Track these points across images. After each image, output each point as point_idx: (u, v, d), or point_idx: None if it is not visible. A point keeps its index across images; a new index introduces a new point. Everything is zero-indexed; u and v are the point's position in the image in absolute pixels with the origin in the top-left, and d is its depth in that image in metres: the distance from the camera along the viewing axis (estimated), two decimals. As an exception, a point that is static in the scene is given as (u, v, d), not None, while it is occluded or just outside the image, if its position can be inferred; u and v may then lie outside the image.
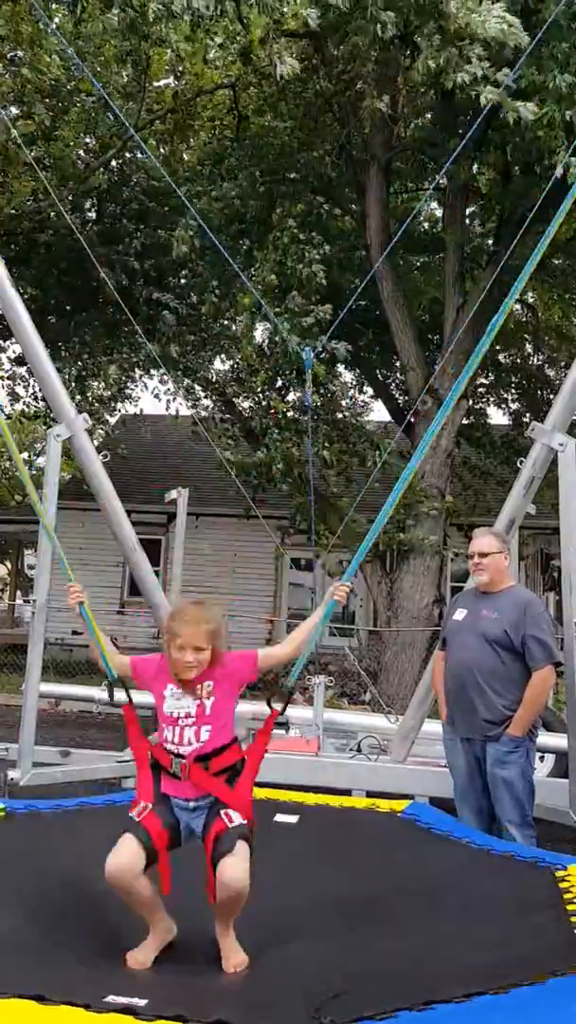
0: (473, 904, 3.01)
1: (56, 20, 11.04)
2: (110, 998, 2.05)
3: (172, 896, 2.72)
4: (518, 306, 16.56)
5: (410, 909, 2.96)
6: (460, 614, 4.46)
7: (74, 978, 2.18)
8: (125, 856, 2.66)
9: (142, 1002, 2.04)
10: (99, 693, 6.95)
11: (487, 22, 6.76)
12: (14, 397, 16.60)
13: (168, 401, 13.81)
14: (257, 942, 2.64)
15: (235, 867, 2.62)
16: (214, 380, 13.94)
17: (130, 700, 3.15)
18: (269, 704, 3.16)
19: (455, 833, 3.84)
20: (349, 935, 2.67)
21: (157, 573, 5.26)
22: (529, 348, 17.29)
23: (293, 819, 3.95)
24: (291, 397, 11.56)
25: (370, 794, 4.88)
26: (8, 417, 17.76)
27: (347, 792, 4.91)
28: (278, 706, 3.15)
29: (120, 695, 3.23)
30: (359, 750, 5.73)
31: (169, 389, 13.40)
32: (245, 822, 2.77)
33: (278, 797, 4.27)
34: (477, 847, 3.64)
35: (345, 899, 3.06)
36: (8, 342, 15.28)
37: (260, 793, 4.25)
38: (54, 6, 10.32)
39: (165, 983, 2.24)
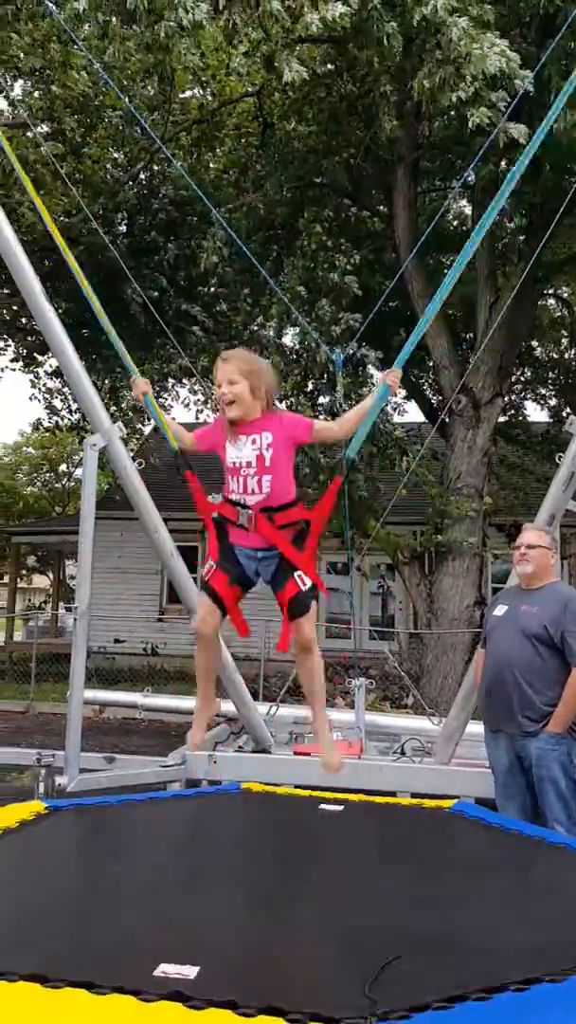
0: (528, 888, 2.98)
1: (83, 35, 11.19)
2: (161, 968, 2.06)
3: (221, 888, 2.72)
4: (552, 301, 16.42)
5: (462, 891, 2.93)
6: (500, 610, 4.43)
7: (122, 960, 2.19)
8: (206, 613, 3.13)
9: (192, 972, 2.04)
10: (142, 699, 6.99)
11: (487, 58, 6.75)
12: (51, 410, 16.83)
13: (197, 411, 13.92)
14: (307, 920, 2.64)
15: (309, 626, 3.06)
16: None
17: (190, 467, 3.41)
18: (331, 472, 3.39)
19: (505, 825, 3.80)
20: (400, 916, 2.65)
21: (195, 579, 5.29)
22: (566, 343, 17.10)
23: (338, 807, 3.95)
24: (322, 401, 11.56)
25: (415, 796, 4.84)
26: (47, 431, 18.03)
27: (391, 795, 4.88)
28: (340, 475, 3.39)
29: (184, 437, 3.42)
30: (403, 752, 5.69)
31: (199, 399, 13.49)
32: (312, 583, 3.07)
33: (322, 797, 4.26)
34: (528, 837, 3.59)
35: (395, 880, 3.04)
36: (45, 356, 15.50)
37: (303, 794, 4.26)
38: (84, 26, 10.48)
39: (213, 956, 2.24)
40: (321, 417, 11.07)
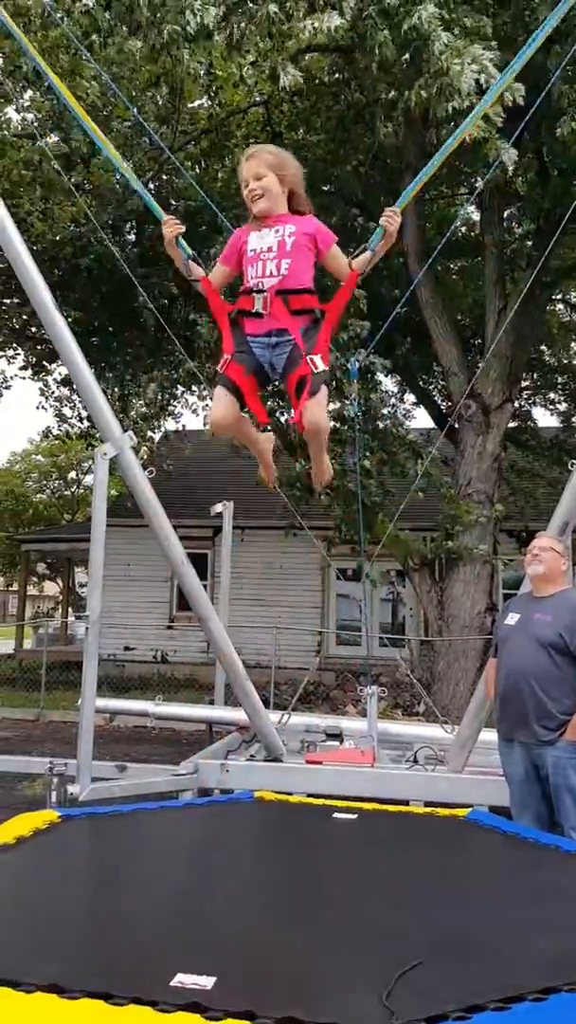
0: (544, 895, 2.96)
1: (92, 46, 11.26)
2: (178, 978, 2.05)
3: (238, 891, 2.72)
4: (561, 306, 16.40)
5: (478, 900, 2.91)
6: (512, 618, 4.41)
7: (139, 971, 2.19)
8: (220, 407, 3.13)
9: (209, 982, 2.04)
10: (154, 707, 6.99)
11: (464, 74, 6.74)
12: (61, 418, 16.89)
13: (205, 417, 13.94)
14: (323, 929, 2.63)
15: (319, 409, 3.04)
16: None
17: (206, 274, 3.38)
18: (351, 265, 3.26)
19: (521, 833, 3.78)
20: (416, 925, 2.63)
21: (205, 587, 5.28)
22: (575, 348, 17.07)
23: (352, 816, 3.93)
24: (331, 407, 11.56)
25: (428, 805, 4.82)
26: (56, 439, 18.10)
27: (404, 803, 4.86)
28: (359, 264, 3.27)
29: (196, 268, 3.40)
30: (415, 761, 5.67)
31: (208, 405, 13.51)
32: (326, 368, 3.04)
33: (335, 806, 4.24)
34: (544, 845, 3.57)
35: (410, 889, 3.02)
36: (54, 364, 15.57)
37: (317, 803, 4.25)
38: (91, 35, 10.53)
39: (230, 966, 2.23)
40: (334, 425, 11.07)
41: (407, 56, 7.34)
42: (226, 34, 7.69)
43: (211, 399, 13.85)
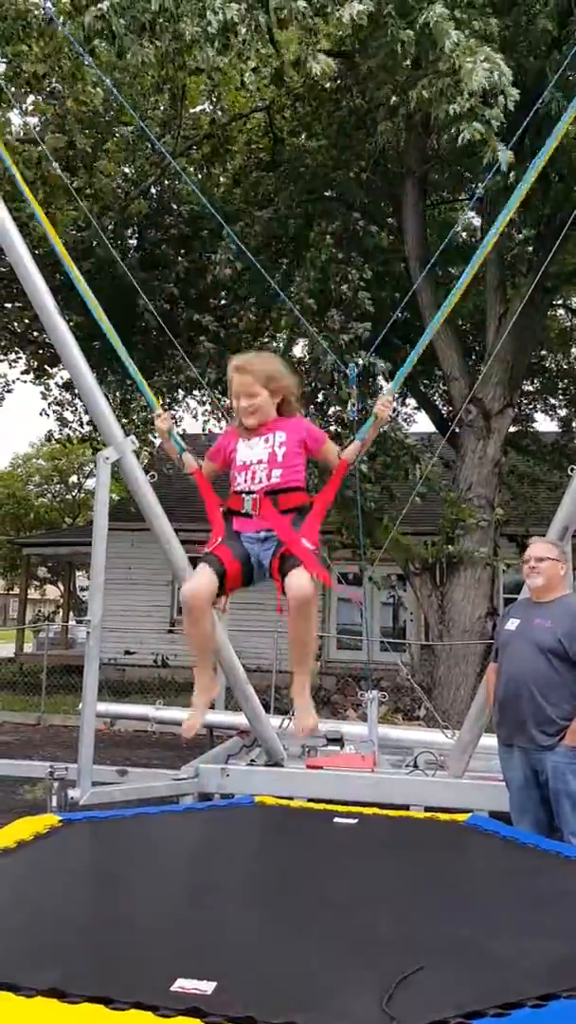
0: (543, 901, 2.96)
1: (94, 50, 11.28)
2: (178, 983, 2.06)
3: (235, 902, 2.72)
4: (562, 311, 16.42)
5: (478, 905, 2.92)
6: (513, 624, 4.41)
7: (139, 975, 2.19)
8: (201, 579, 2.95)
9: (209, 987, 2.04)
10: (154, 712, 6.99)
11: (476, 71, 6.73)
12: (63, 422, 16.91)
13: (204, 421, 13.98)
14: (323, 935, 2.63)
15: (302, 576, 2.86)
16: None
17: (199, 466, 3.39)
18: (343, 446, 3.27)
19: (520, 839, 3.78)
20: (416, 931, 2.64)
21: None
22: (575, 353, 17.10)
23: (353, 820, 3.93)
24: (330, 411, 11.56)
25: (428, 810, 4.82)
26: (58, 442, 18.11)
27: (405, 808, 4.86)
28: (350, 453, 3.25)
29: (190, 460, 3.42)
30: (416, 765, 5.67)
31: (207, 409, 13.54)
32: (313, 547, 2.97)
33: (336, 811, 4.25)
34: (544, 850, 3.57)
35: (410, 894, 3.03)
36: (56, 368, 15.59)
37: (317, 807, 4.25)
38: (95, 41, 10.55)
39: (230, 971, 2.24)
40: (332, 429, 11.07)
41: (413, 53, 7.26)
42: (241, 32, 7.64)
43: (211, 403, 13.82)
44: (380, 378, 12.23)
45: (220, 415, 14.11)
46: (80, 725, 4.93)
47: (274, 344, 10.86)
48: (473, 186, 13.00)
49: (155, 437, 17.01)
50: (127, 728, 11.14)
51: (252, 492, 3.03)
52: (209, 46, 6.99)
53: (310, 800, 4.61)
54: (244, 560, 3.04)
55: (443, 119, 7.29)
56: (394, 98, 9.11)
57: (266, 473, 3.03)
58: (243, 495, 3.06)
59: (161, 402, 14.78)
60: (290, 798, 4.53)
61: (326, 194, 12.67)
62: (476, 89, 6.72)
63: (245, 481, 3.07)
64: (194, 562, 3.29)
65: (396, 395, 3.41)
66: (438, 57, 7.00)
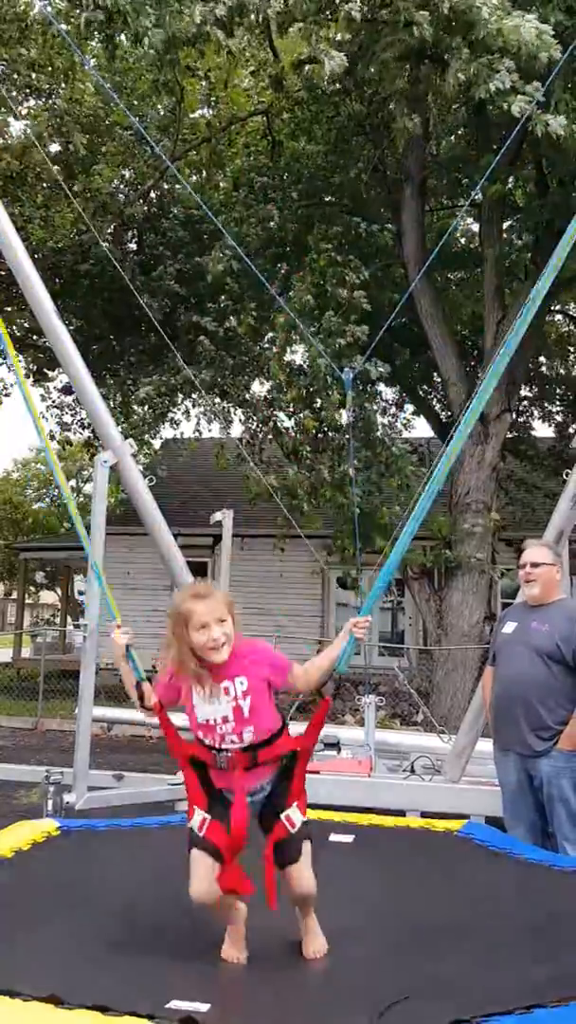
0: (533, 917, 2.96)
1: (90, 53, 11.32)
2: (173, 1003, 2.05)
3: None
4: (560, 317, 16.44)
5: (469, 922, 2.92)
6: (509, 627, 4.40)
7: (136, 987, 2.19)
8: (205, 881, 2.56)
9: (204, 1007, 2.04)
10: (150, 718, 6.96)
11: (521, 27, 6.67)
12: (62, 425, 16.91)
13: (197, 423, 13.99)
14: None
15: (303, 875, 2.60)
16: (252, 401, 14.03)
17: (162, 706, 2.86)
18: (319, 694, 3.01)
19: (513, 850, 3.77)
20: (409, 949, 2.64)
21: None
22: (573, 359, 17.13)
23: (348, 838, 3.92)
24: (324, 415, 11.56)
25: (424, 815, 4.81)
26: (58, 444, 18.09)
27: (401, 813, 4.86)
28: (328, 692, 3.01)
29: (149, 691, 2.88)
30: (412, 770, 5.66)
31: (204, 411, 13.55)
32: (305, 819, 2.68)
33: (331, 818, 4.24)
34: (535, 862, 3.56)
35: (404, 914, 3.03)
36: (55, 371, 15.60)
37: (312, 814, 4.23)
38: (90, 42, 10.57)
39: (226, 990, 2.24)
40: (329, 434, 11.06)
41: (429, 37, 7.13)
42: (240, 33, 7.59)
43: (204, 405, 13.72)
44: (381, 384, 12.26)
45: (212, 417, 14.12)
46: (76, 730, 4.91)
47: (271, 348, 10.88)
48: (471, 192, 13.06)
49: (153, 439, 17.05)
50: (124, 733, 11.13)
51: (224, 751, 2.63)
52: (219, 29, 6.92)
53: (307, 805, 4.59)
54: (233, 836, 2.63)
55: (485, 97, 7.21)
56: (392, 105, 9.11)
57: (237, 734, 2.61)
58: (214, 752, 2.65)
59: (156, 407, 14.78)
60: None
61: (326, 199, 12.69)
62: (529, 39, 6.55)
63: (212, 742, 2.65)
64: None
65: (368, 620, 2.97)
66: (469, 31, 6.92)
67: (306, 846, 2.65)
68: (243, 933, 2.67)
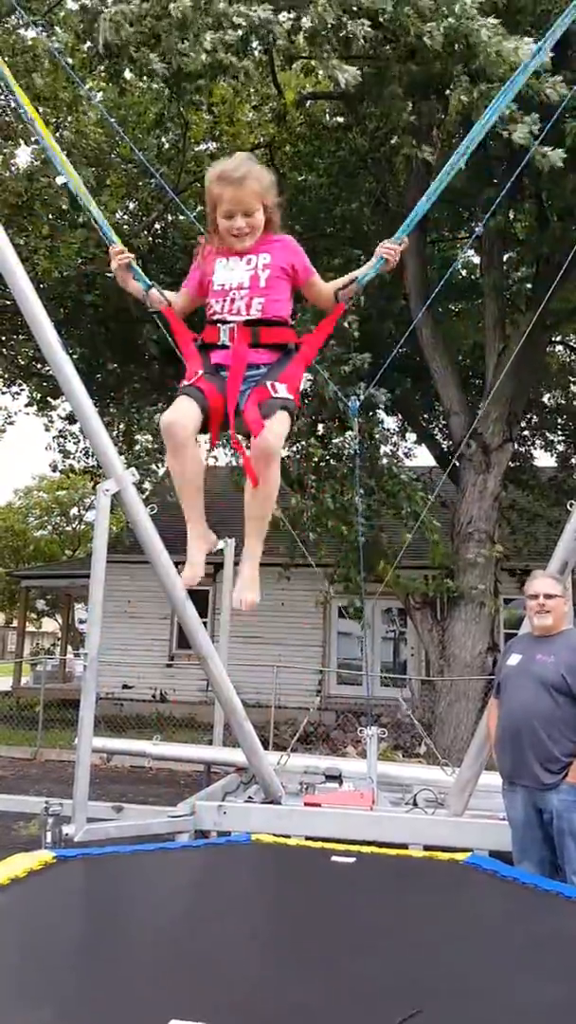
0: (542, 944, 2.90)
1: (92, 86, 11.50)
2: (172, 1023, 2.03)
3: (231, 945, 2.66)
4: (560, 348, 16.55)
5: (474, 948, 2.86)
6: (515, 659, 4.37)
7: (134, 1010, 2.15)
8: (183, 409, 2.59)
9: None
10: (151, 748, 6.91)
11: (519, 48, 6.77)
12: (64, 453, 16.97)
13: (208, 451, 14.02)
14: (319, 977, 2.58)
15: (270, 429, 2.53)
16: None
17: (169, 303, 2.94)
18: (337, 297, 2.91)
19: (520, 879, 3.71)
20: (412, 974, 2.58)
21: (205, 624, 5.24)
22: (574, 389, 17.20)
23: (350, 859, 3.87)
24: (331, 445, 11.59)
25: (428, 848, 4.75)
26: (61, 473, 18.15)
27: (403, 847, 4.79)
28: (346, 298, 2.90)
29: (157, 296, 2.97)
30: (415, 803, 5.59)
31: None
32: (291, 396, 2.62)
33: (333, 850, 4.19)
34: (544, 891, 3.51)
35: (407, 937, 2.97)
36: (59, 399, 15.69)
37: (315, 846, 4.18)
38: (94, 77, 10.75)
39: (228, 1011, 2.19)
40: (332, 463, 11.09)
41: (440, 47, 7.17)
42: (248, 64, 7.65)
43: (215, 456, 13.74)
44: (381, 411, 12.30)
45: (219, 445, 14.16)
46: (76, 760, 4.87)
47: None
48: (473, 225, 13.21)
49: (157, 467, 17.12)
50: (124, 764, 11.04)
51: (229, 322, 2.65)
52: (232, 55, 6.99)
53: (308, 838, 4.54)
54: (223, 399, 2.67)
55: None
56: (396, 139, 9.24)
57: (246, 302, 2.64)
58: (219, 325, 2.67)
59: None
60: (287, 836, 4.46)
61: (327, 230, 12.83)
62: (526, 53, 6.63)
63: (222, 309, 2.68)
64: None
65: (403, 243, 2.98)
66: (469, 52, 7.01)
67: (283, 414, 2.58)
68: (204, 531, 2.81)
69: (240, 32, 6.85)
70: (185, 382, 2.69)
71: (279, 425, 2.56)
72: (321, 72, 8.13)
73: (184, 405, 2.62)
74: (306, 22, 7.28)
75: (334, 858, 3.87)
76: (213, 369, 2.71)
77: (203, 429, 2.70)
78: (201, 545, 2.87)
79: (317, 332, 2.86)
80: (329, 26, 6.91)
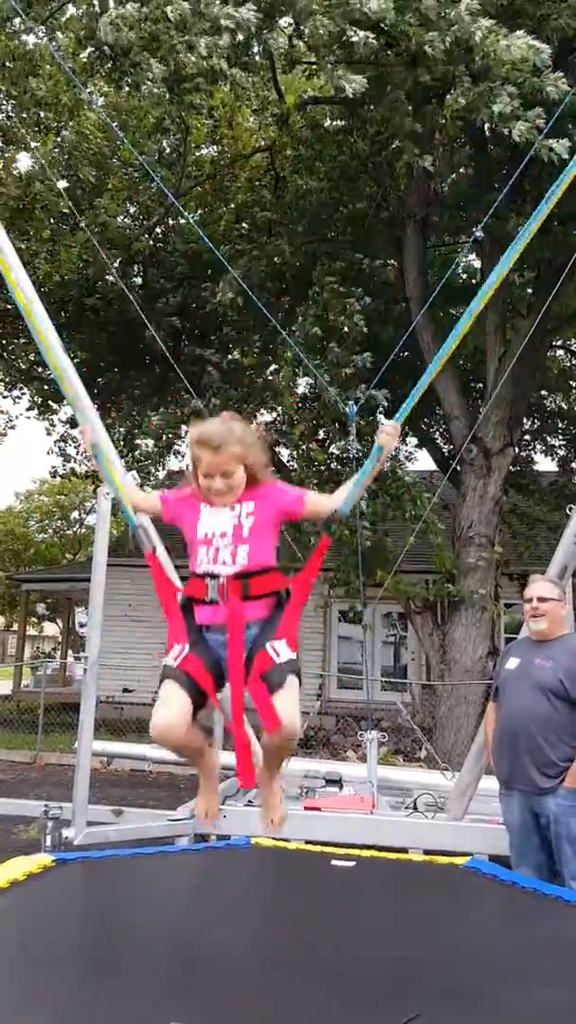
0: (541, 949, 2.90)
1: (94, 89, 11.54)
2: None
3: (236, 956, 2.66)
4: (561, 352, 16.55)
5: (473, 953, 2.85)
6: (513, 663, 4.37)
7: (134, 1013, 2.14)
8: (173, 710, 2.42)
9: None
10: (151, 751, 6.90)
11: (512, 46, 6.76)
12: (65, 457, 16.99)
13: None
14: (320, 977, 2.57)
15: (289, 705, 2.38)
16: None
17: (154, 548, 2.89)
18: (321, 529, 2.83)
19: (519, 883, 3.71)
20: (414, 974, 2.58)
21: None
22: (575, 394, 17.20)
23: (350, 863, 3.86)
24: (332, 449, 11.61)
25: (428, 852, 4.74)
26: (62, 477, 18.17)
27: (404, 851, 4.78)
28: (327, 532, 2.81)
29: (143, 539, 2.93)
30: (415, 807, 5.59)
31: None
32: (294, 655, 2.49)
33: (333, 854, 4.18)
34: (544, 895, 3.50)
35: (407, 938, 2.97)
36: (60, 404, 15.71)
37: (314, 850, 4.17)
38: (95, 80, 10.77)
39: (227, 1015, 2.18)
40: (333, 466, 11.10)
41: (443, 50, 7.14)
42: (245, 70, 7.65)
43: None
44: (381, 413, 12.29)
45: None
46: (76, 764, 4.86)
47: (277, 379, 10.96)
48: (474, 230, 13.23)
49: (158, 470, 17.10)
50: (124, 767, 11.02)
51: (217, 577, 2.54)
52: (224, 61, 6.99)
53: (307, 842, 4.54)
54: (215, 667, 2.54)
55: (485, 121, 7.29)
56: (397, 143, 9.25)
57: (231, 551, 2.55)
58: (206, 579, 2.56)
59: (164, 439, 14.79)
60: (287, 840, 4.46)
61: (329, 235, 12.86)
62: (519, 56, 6.61)
63: (208, 560, 2.57)
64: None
65: (400, 429, 2.86)
66: (469, 56, 7.01)
67: (292, 679, 2.44)
68: (216, 783, 2.60)
69: (229, 36, 6.86)
70: (168, 660, 2.54)
71: (291, 697, 2.43)
72: (325, 80, 8.13)
73: (172, 703, 2.46)
74: (306, 30, 7.29)
75: (334, 862, 3.87)
76: (197, 634, 2.59)
77: (198, 706, 2.53)
78: (211, 798, 2.72)
79: (306, 572, 2.72)
80: (329, 34, 6.92)
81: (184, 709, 2.45)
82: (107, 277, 12.19)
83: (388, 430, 2.79)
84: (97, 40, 7.23)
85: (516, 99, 7.01)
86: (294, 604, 2.61)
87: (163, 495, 2.83)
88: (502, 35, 6.88)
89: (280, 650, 2.48)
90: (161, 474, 18.17)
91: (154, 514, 2.91)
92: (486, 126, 8.42)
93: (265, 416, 15.23)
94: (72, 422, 15.55)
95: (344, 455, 10.84)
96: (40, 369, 14.55)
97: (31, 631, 30.83)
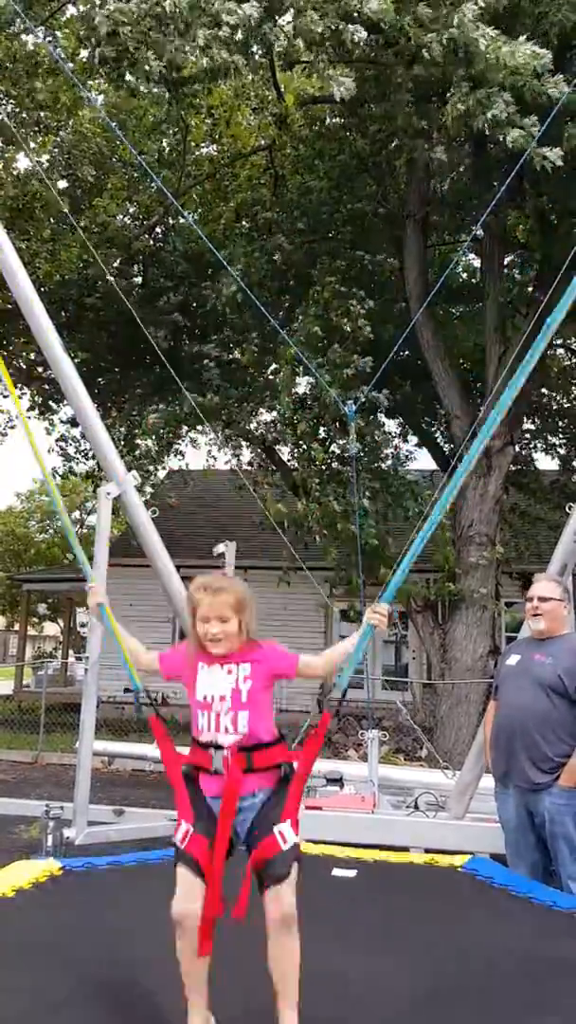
0: (534, 962, 2.90)
1: (93, 87, 11.55)
2: None
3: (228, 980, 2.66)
4: (562, 351, 16.54)
5: (469, 966, 2.86)
6: (513, 660, 4.37)
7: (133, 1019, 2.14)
8: (186, 893, 2.49)
9: None
10: (152, 751, 6.91)
11: (515, 52, 6.76)
12: (66, 457, 16.98)
13: (208, 451, 14.07)
14: (321, 981, 2.58)
15: (290, 897, 2.46)
16: (257, 432, 14.09)
17: (157, 713, 2.97)
18: (320, 706, 2.96)
19: (515, 887, 3.71)
20: (411, 977, 2.58)
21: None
22: (575, 392, 17.19)
23: (351, 873, 3.86)
24: (333, 448, 11.61)
25: (429, 851, 4.74)
26: (62, 477, 18.16)
27: (405, 850, 4.79)
28: (329, 709, 2.92)
29: (150, 711, 3.01)
30: (416, 807, 5.59)
31: (210, 439, 13.61)
32: (297, 839, 2.56)
33: (334, 854, 4.18)
34: (539, 902, 3.50)
35: (405, 942, 2.97)
36: (61, 404, 15.71)
37: (316, 849, 4.17)
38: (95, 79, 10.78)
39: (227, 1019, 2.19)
40: (334, 465, 11.10)
41: (441, 53, 7.13)
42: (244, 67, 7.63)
43: (214, 432, 13.84)
44: (382, 414, 12.31)
45: (224, 445, 14.17)
46: (77, 764, 4.87)
47: (276, 379, 10.94)
48: (473, 229, 13.23)
49: (156, 470, 17.10)
50: (125, 767, 11.02)
51: (221, 747, 2.60)
52: (224, 49, 6.96)
53: (308, 841, 4.54)
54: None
55: (480, 128, 7.29)
56: (397, 141, 9.25)
57: (231, 719, 2.62)
58: (211, 749, 2.62)
59: (164, 439, 14.82)
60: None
61: (329, 233, 12.86)
62: (521, 62, 6.61)
63: (208, 727, 2.64)
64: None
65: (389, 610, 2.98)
66: (468, 63, 7.00)
67: (294, 868, 2.51)
68: (207, 1000, 2.51)
69: (230, 30, 6.84)
70: (176, 839, 2.61)
71: (292, 887, 2.49)
72: (317, 81, 8.13)
73: (187, 885, 2.52)
74: (297, 26, 7.27)
75: (335, 872, 3.86)
76: (205, 809, 2.64)
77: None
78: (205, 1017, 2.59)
79: (308, 749, 2.79)
80: (320, 32, 6.91)
81: (197, 890, 2.50)
82: (107, 277, 12.19)
83: (380, 611, 2.92)
84: (98, 36, 7.19)
85: (512, 105, 7.01)
86: (298, 780, 2.66)
87: (161, 654, 2.94)
88: (502, 41, 6.88)
89: (287, 836, 2.54)
90: (161, 474, 18.17)
91: (151, 670, 3.00)
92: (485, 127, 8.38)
93: (265, 415, 15.25)
94: (73, 421, 15.54)
95: (344, 454, 10.84)
96: (41, 369, 14.56)
97: (32, 631, 30.85)
